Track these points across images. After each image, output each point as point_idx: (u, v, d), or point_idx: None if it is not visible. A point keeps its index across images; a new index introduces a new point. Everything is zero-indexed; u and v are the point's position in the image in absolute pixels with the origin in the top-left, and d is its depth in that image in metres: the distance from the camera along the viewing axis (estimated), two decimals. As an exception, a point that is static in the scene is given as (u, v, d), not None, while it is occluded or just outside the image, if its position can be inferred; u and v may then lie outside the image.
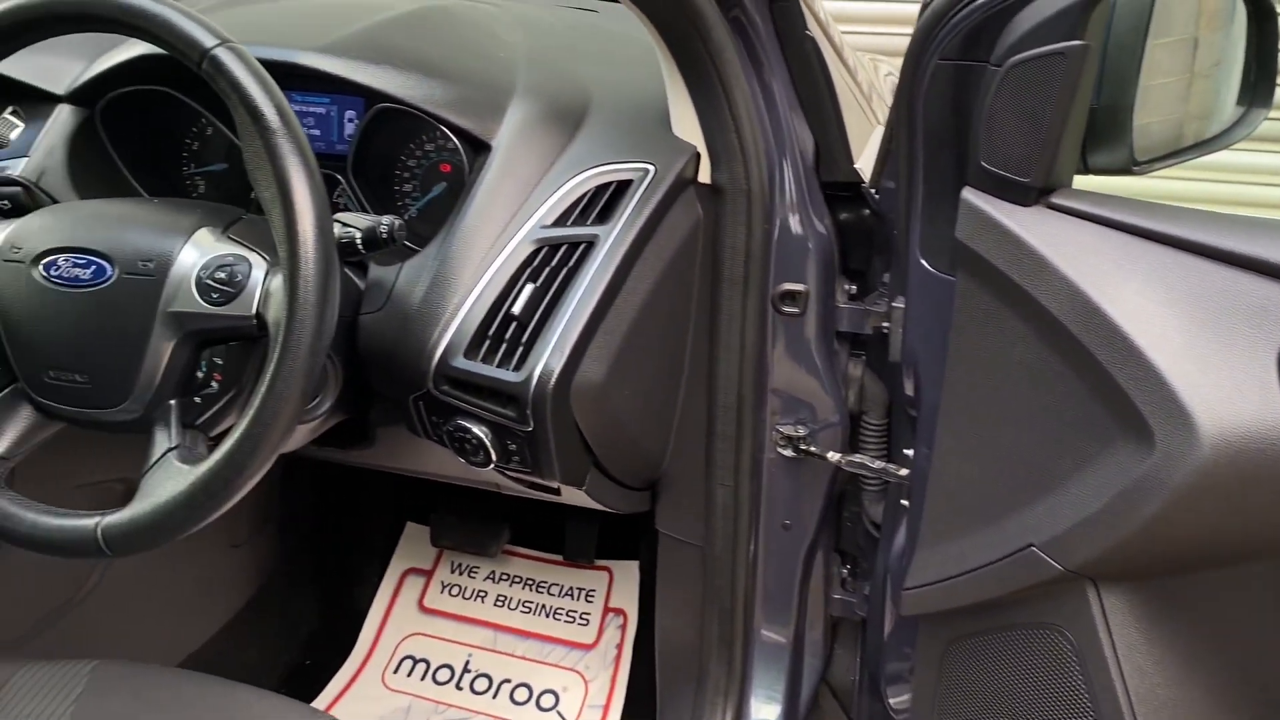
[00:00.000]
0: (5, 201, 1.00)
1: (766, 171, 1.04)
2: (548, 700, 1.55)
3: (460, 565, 1.73)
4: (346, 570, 1.73)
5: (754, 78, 1.02)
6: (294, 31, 1.12)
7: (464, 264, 0.99)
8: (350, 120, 1.11)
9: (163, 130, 1.17)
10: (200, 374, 0.88)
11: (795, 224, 1.09)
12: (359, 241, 0.89)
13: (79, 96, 1.12)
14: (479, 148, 1.04)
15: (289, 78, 1.08)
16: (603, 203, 1.01)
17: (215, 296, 0.85)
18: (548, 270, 0.98)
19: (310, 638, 1.66)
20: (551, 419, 0.95)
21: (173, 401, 0.88)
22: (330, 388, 1.02)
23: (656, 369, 1.10)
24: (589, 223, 1.00)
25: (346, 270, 1.03)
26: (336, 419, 1.08)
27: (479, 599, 1.68)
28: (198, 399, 0.88)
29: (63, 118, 1.11)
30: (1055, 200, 0.87)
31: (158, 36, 0.81)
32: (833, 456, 1.15)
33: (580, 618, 1.64)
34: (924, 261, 0.99)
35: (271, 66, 1.02)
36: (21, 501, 0.88)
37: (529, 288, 0.97)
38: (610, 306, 0.98)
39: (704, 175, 1.06)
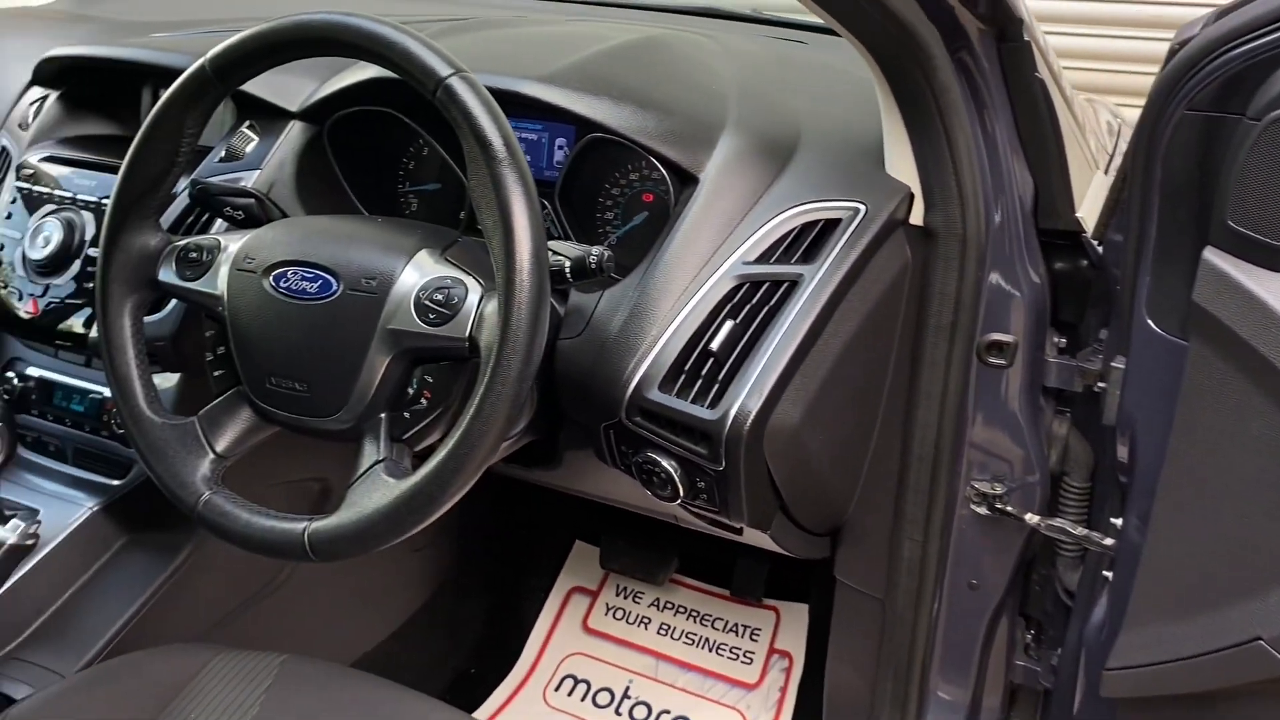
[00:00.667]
0: (239, 212, 1.06)
1: (983, 216, 1.01)
2: (706, 736, 1.54)
3: (625, 589, 1.74)
4: (515, 583, 1.76)
5: (976, 118, 0.99)
6: (515, 60, 1.15)
7: (664, 296, 0.99)
8: (561, 148, 1.14)
9: (383, 149, 1.22)
10: (411, 390, 0.91)
11: (1007, 272, 1.05)
12: (568, 270, 0.90)
13: (310, 114, 1.18)
14: (686, 180, 1.04)
15: (506, 104, 1.12)
16: (808, 241, 0.99)
17: (432, 317, 0.88)
18: (748, 308, 0.97)
19: (476, 646, 1.70)
20: (744, 460, 0.94)
21: (383, 415, 0.91)
22: (526, 409, 1.04)
23: (851, 415, 1.07)
24: (793, 261, 0.98)
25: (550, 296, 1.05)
26: (527, 439, 1.10)
27: (642, 625, 1.69)
28: (407, 414, 0.91)
29: (294, 134, 1.18)
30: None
31: (396, 63, 0.85)
32: (1030, 518, 1.10)
33: (744, 656, 1.62)
34: (1151, 322, 0.93)
35: (495, 94, 1.06)
36: (237, 501, 0.93)
37: (728, 324, 0.96)
38: (811, 349, 0.96)
39: (916, 217, 1.03)
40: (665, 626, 1.68)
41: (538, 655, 1.68)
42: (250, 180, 1.15)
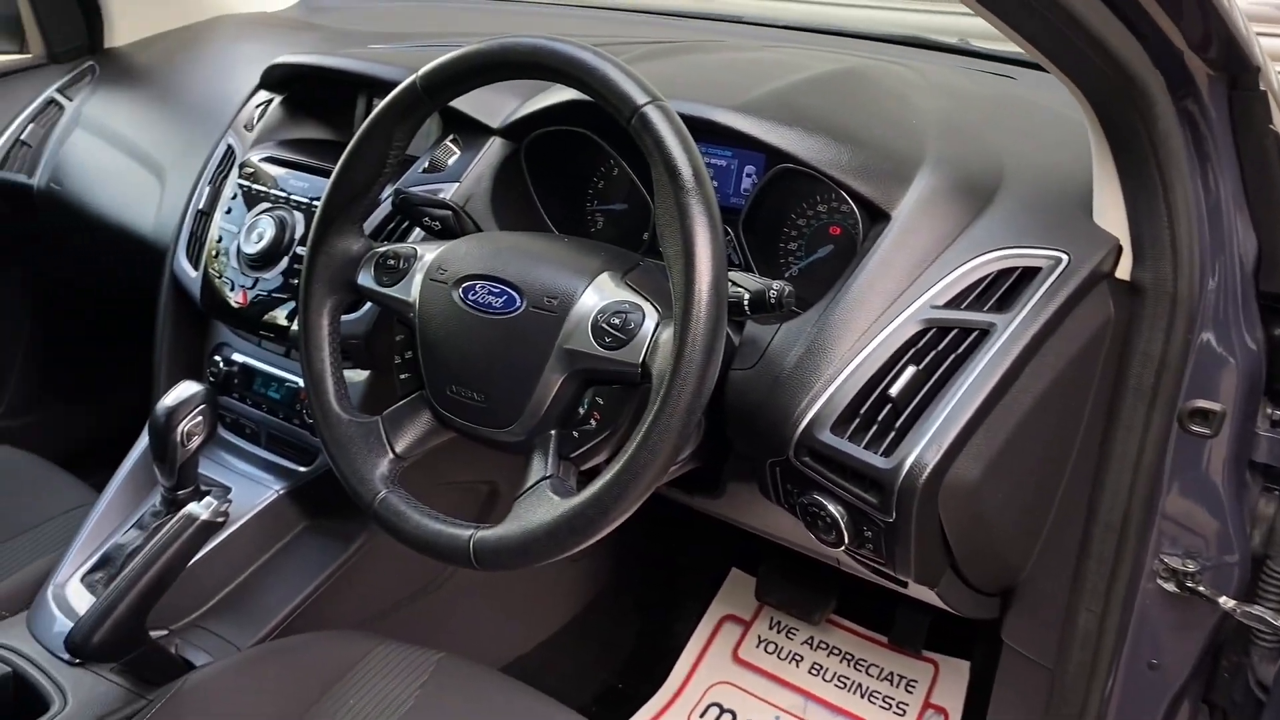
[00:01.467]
0: (436, 223, 1.10)
1: (1198, 275, 0.94)
2: (852, 786, 1.50)
3: (779, 623, 1.71)
4: (668, 604, 1.76)
5: (1198, 171, 0.92)
6: (711, 87, 1.15)
7: (844, 334, 0.97)
8: (749, 175, 1.13)
9: (574, 168, 1.25)
10: (581, 410, 0.92)
11: (1221, 335, 0.97)
12: (746, 303, 0.90)
13: (509, 131, 1.22)
14: (877, 216, 1.02)
15: (698, 131, 1.12)
16: (1004, 289, 0.95)
17: (607, 340, 0.89)
18: (933, 354, 0.93)
19: (625, 663, 1.71)
20: (917, 515, 0.91)
21: (554, 432, 0.93)
22: (692, 438, 1.03)
23: (1035, 475, 1.02)
24: (986, 309, 0.94)
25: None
26: (691, 466, 1.10)
27: (794, 662, 1.66)
28: (575, 433, 0.93)
29: (493, 149, 1.22)
30: None
31: (595, 89, 0.86)
32: (1225, 602, 1.02)
33: (897, 706, 1.57)
34: None
35: (688, 121, 1.07)
36: (410, 502, 0.96)
37: (910, 370, 0.93)
38: (997, 403, 0.92)
39: (1123, 271, 0.97)
40: (817, 666, 1.64)
41: (685, 679, 1.67)
42: (449, 192, 1.19)
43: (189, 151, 1.50)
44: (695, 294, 0.81)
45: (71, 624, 1.13)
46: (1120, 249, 0.96)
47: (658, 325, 0.88)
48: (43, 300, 1.98)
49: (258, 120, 1.43)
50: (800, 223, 1.12)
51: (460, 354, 0.96)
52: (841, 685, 1.61)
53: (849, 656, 1.64)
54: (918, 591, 1.17)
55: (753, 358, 1.02)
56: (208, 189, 1.40)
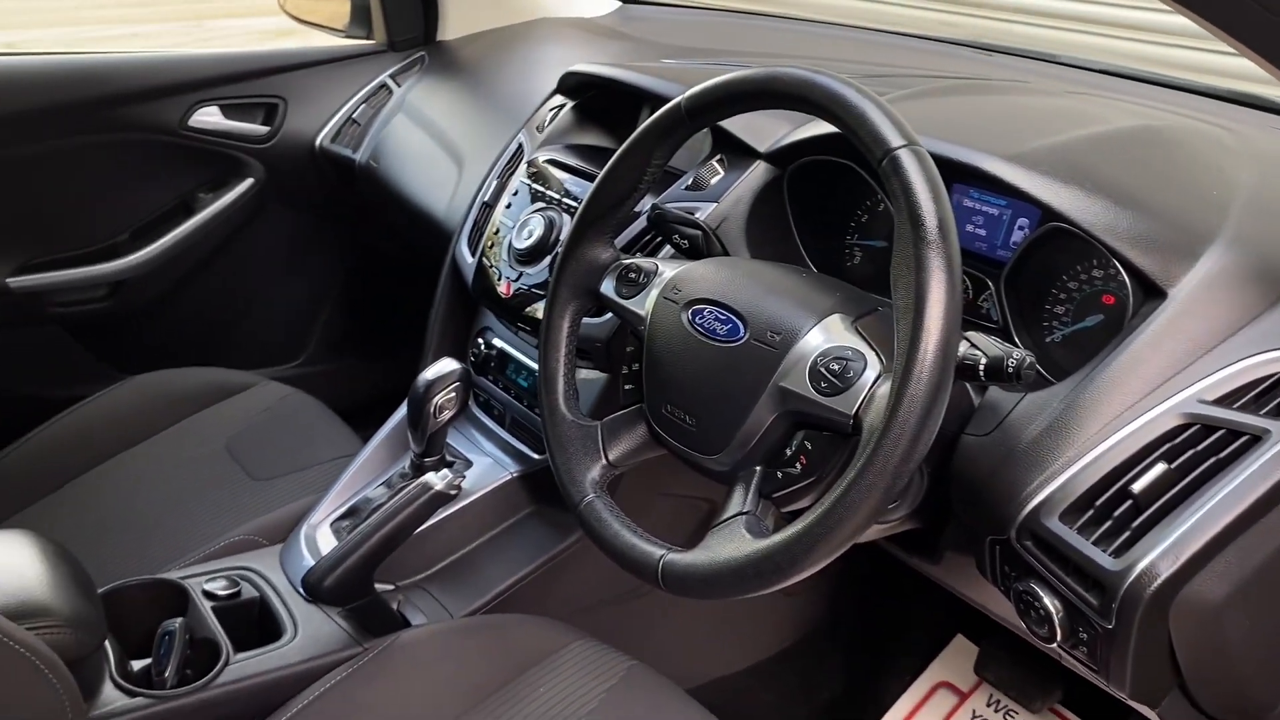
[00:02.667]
0: (685, 241, 1.11)
1: None
2: None
3: (998, 702, 1.60)
4: (882, 656, 1.69)
5: None
6: (988, 133, 1.09)
7: (1093, 416, 0.89)
8: (1021, 229, 1.06)
9: (837, 199, 1.22)
10: (789, 451, 0.90)
11: None
12: (981, 368, 0.84)
13: (775, 157, 1.21)
14: (1151, 292, 0.92)
15: (968, 178, 1.06)
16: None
17: (823, 386, 0.86)
18: (1190, 454, 0.83)
19: (827, 707, 1.66)
20: (1139, 626, 0.81)
21: (758, 468, 0.91)
22: (910, 496, 0.98)
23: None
24: (1262, 413, 0.83)
25: (967, 385, 0.99)
26: (909, 526, 1.04)
27: (1007, 748, 1.54)
28: (779, 474, 0.90)
29: (757, 173, 1.21)
30: None
31: (850, 126, 0.84)
32: None
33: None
34: None
35: (954, 166, 1.01)
36: (614, 510, 0.98)
37: (1160, 467, 0.83)
38: (1257, 521, 0.81)
39: None
40: (1033, 758, 1.52)
41: (888, 738, 1.60)
42: (706, 212, 1.20)
43: (488, 144, 1.60)
44: (920, 351, 0.76)
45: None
46: None
47: (879, 377, 0.84)
48: (353, 263, 2.18)
49: (549, 123, 1.50)
50: (1071, 286, 1.03)
51: (679, 375, 0.96)
52: (1056, 784, 1.49)
53: (1069, 756, 1.51)
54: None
55: (989, 424, 0.96)
56: (494, 182, 1.49)
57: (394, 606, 1.28)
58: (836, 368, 0.86)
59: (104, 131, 1.86)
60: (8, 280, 1.83)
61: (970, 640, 1.65)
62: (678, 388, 0.96)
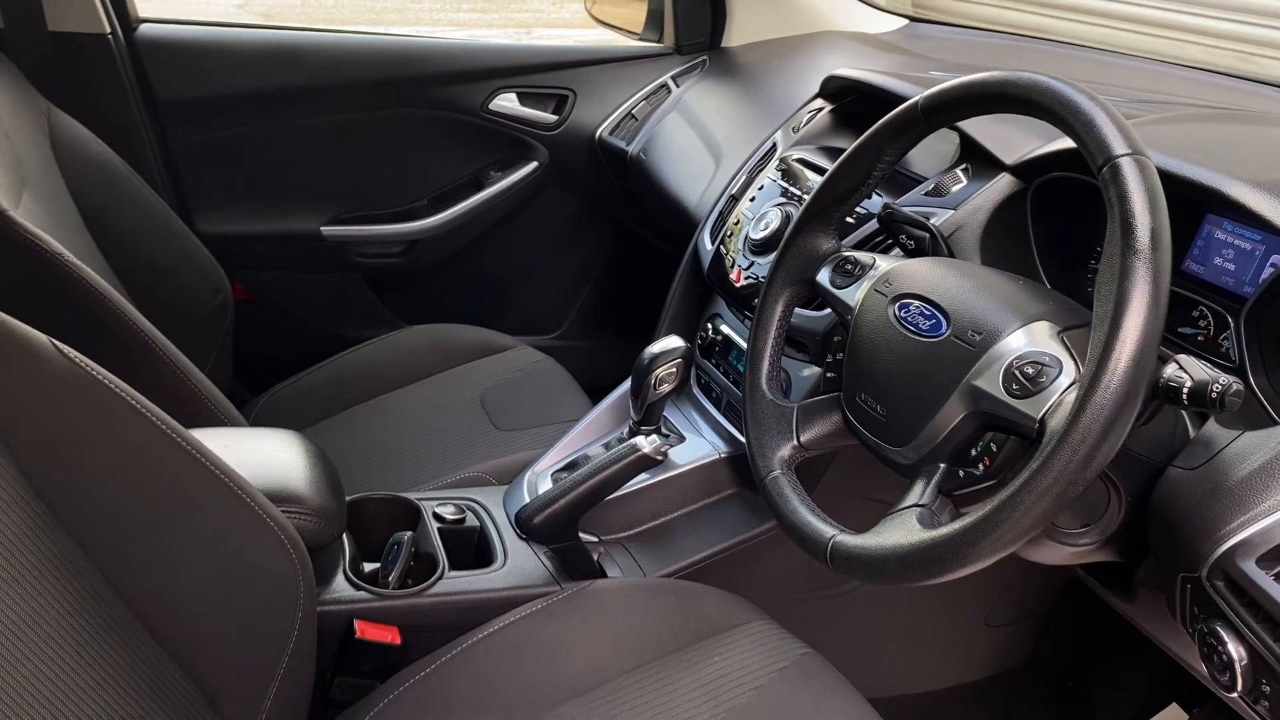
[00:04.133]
0: (912, 242, 1.12)
1: None
2: None
3: (1208, 782, 1.47)
4: (1084, 711, 1.60)
5: None
6: (1241, 161, 1.02)
7: (1312, 459, 0.82)
8: (1272, 266, 0.99)
9: (1082, 220, 1.18)
10: (974, 452, 0.89)
11: None
12: (1185, 391, 0.80)
13: (1021, 170, 1.18)
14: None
15: (1220, 203, 1.00)
16: None
17: (1014, 388, 0.85)
18: None
19: (1019, 751, 1.59)
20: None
21: (942, 465, 0.91)
22: (1106, 521, 0.94)
23: None
24: None
25: (1184, 414, 0.94)
26: (1106, 557, 1.00)
27: (1210, 832, 1.42)
28: (961, 473, 0.90)
29: (1000, 185, 1.19)
30: None
31: (1077, 131, 0.82)
32: None
33: None
34: None
35: (1206, 192, 0.96)
36: (797, 488, 1.01)
37: (1383, 523, 0.77)
38: None
39: None
40: None
41: (1079, 794, 1.52)
42: (942, 217, 1.20)
43: (746, 142, 1.66)
44: (1112, 359, 0.74)
45: (530, 507, 1.35)
46: None
47: (1071, 385, 0.82)
48: (615, 250, 2.31)
49: (805, 124, 1.54)
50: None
51: (877, 366, 0.97)
52: None
53: None
54: None
55: (1200, 459, 0.90)
56: (744, 176, 1.54)
57: (595, 557, 1.36)
58: (1031, 371, 0.84)
59: (416, 107, 2.08)
60: (321, 228, 2.09)
61: (1185, 710, 1.53)
62: (874, 378, 0.98)
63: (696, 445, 1.45)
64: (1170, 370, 0.82)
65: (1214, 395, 0.78)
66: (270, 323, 2.14)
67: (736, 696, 1.12)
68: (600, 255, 2.32)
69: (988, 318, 0.90)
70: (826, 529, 0.94)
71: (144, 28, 1.93)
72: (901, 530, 0.87)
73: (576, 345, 2.32)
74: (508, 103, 2.10)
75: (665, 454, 1.29)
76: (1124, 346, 0.74)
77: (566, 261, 2.31)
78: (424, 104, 2.07)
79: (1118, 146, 0.79)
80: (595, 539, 1.39)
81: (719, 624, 1.22)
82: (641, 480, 1.39)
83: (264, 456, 1.21)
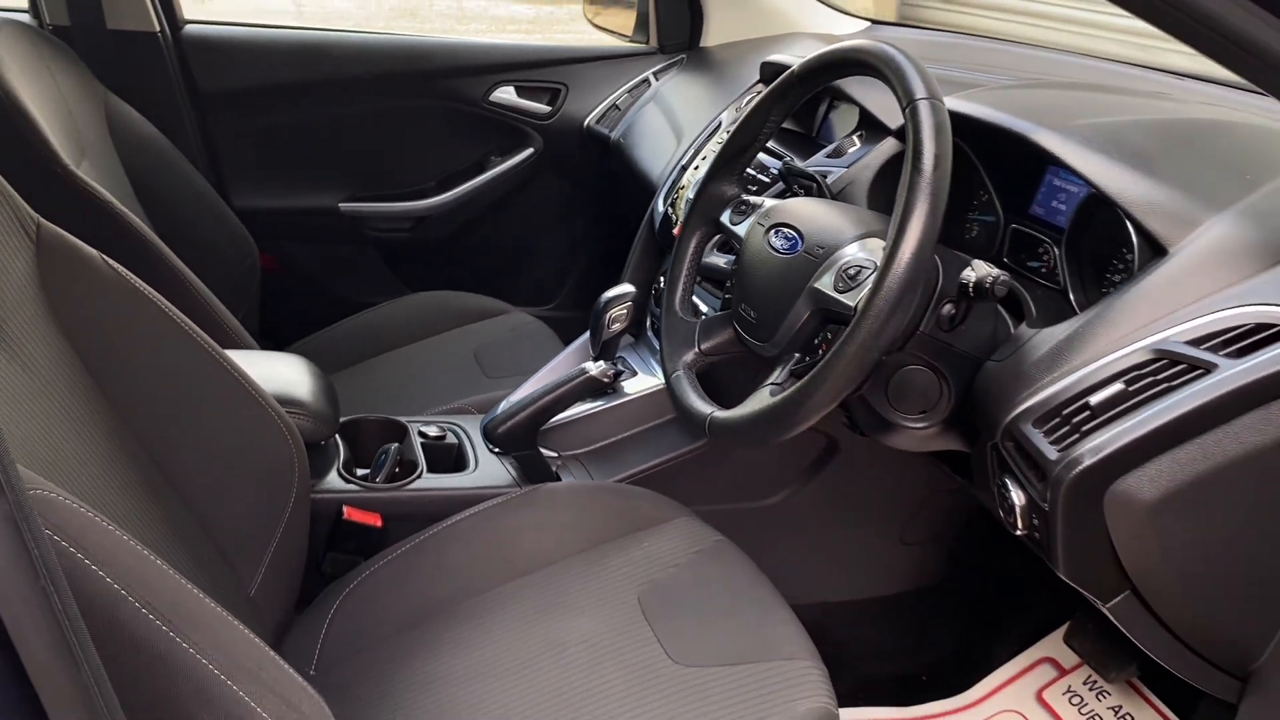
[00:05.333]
0: (802, 190, 1.33)
1: None
2: None
3: (1094, 683, 1.65)
4: (995, 623, 1.78)
5: None
6: (1055, 113, 1.23)
7: (1083, 349, 1.02)
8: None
9: (959, 180, 1.38)
10: (817, 340, 1.11)
11: None
12: (971, 286, 1.01)
13: (900, 133, 1.40)
14: (1157, 250, 1.04)
15: (1027, 152, 1.20)
16: (1251, 341, 0.93)
17: (840, 285, 1.06)
18: (1148, 378, 0.96)
19: (933, 662, 1.77)
20: (1066, 505, 0.95)
21: (796, 354, 1.12)
22: (941, 409, 1.15)
23: (1249, 538, 0.97)
24: (1221, 354, 0.94)
25: (1001, 318, 1.14)
26: (948, 444, 1.20)
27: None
28: (808, 358, 1.11)
29: (885, 147, 1.41)
30: None
31: (890, 80, 1.04)
32: None
33: (1175, 801, 1.46)
34: None
35: (1003, 133, 1.17)
36: (693, 382, 1.23)
37: (1118, 386, 0.96)
38: (1193, 438, 0.92)
39: None
40: (1113, 734, 1.57)
41: (983, 697, 1.70)
42: (838, 174, 1.41)
43: (703, 124, 1.88)
44: (896, 254, 0.96)
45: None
46: None
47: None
48: (605, 229, 2.53)
49: (746, 103, 1.76)
50: (1124, 251, 1.15)
51: (752, 280, 1.19)
52: (1128, 760, 1.53)
53: (1149, 736, 1.55)
54: (1225, 689, 1.13)
55: (1009, 353, 1.11)
56: (693, 150, 1.76)
57: (554, 469, 1.58)
58: (853, 272, 1.06)
59: (424, 98, 2.33)
60: (339, 205, 2.34)
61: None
62: (750, 290, 1.19)
63: (646, 379, 1.66)
64: (967, 272, 1.03)
65: (987, 285, 0.99)
66: (292, 287, 2.40)
67: (657, 572, 1.33)
68: (591, 235, 2.55)
69: (830, 236, 1.12)
70: (706, 408, 1.16)
71: (189, 27, 2.20)
72: (756, 402, 1.08)
73: (570, 316, 2.54)
74: (506, 95, 2.34)
75: (611, 378, 1.51)
76: (906, 245, 0.95)
77: (560, 240, 2.55)
78: (432, 95, 2.32)
79: (918, 92, 1.01)
80: (555, 454, 1.61)
81: (650, 519, 1.42)
82: (596, 406, 1.62)
83: (274, 370, 1.44)
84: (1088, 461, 0.94)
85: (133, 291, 1.15)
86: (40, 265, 1.06)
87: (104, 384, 1.12)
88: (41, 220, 1.06)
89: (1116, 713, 1.60)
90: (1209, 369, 0.93)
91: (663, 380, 1.63)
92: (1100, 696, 1.64)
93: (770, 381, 1.11)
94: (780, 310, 1.13)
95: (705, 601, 1.27)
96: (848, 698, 1.70)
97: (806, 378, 1.01)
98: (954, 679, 1.73)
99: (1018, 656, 1.73)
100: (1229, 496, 0.94)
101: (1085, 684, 1.66)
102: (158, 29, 2.12)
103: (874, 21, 2.40)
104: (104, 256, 1.12)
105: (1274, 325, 0.93)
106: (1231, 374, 0.91)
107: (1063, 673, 1.69)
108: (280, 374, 1.44)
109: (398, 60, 2.29)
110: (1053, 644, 1.74)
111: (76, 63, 1.89)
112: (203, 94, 2.21)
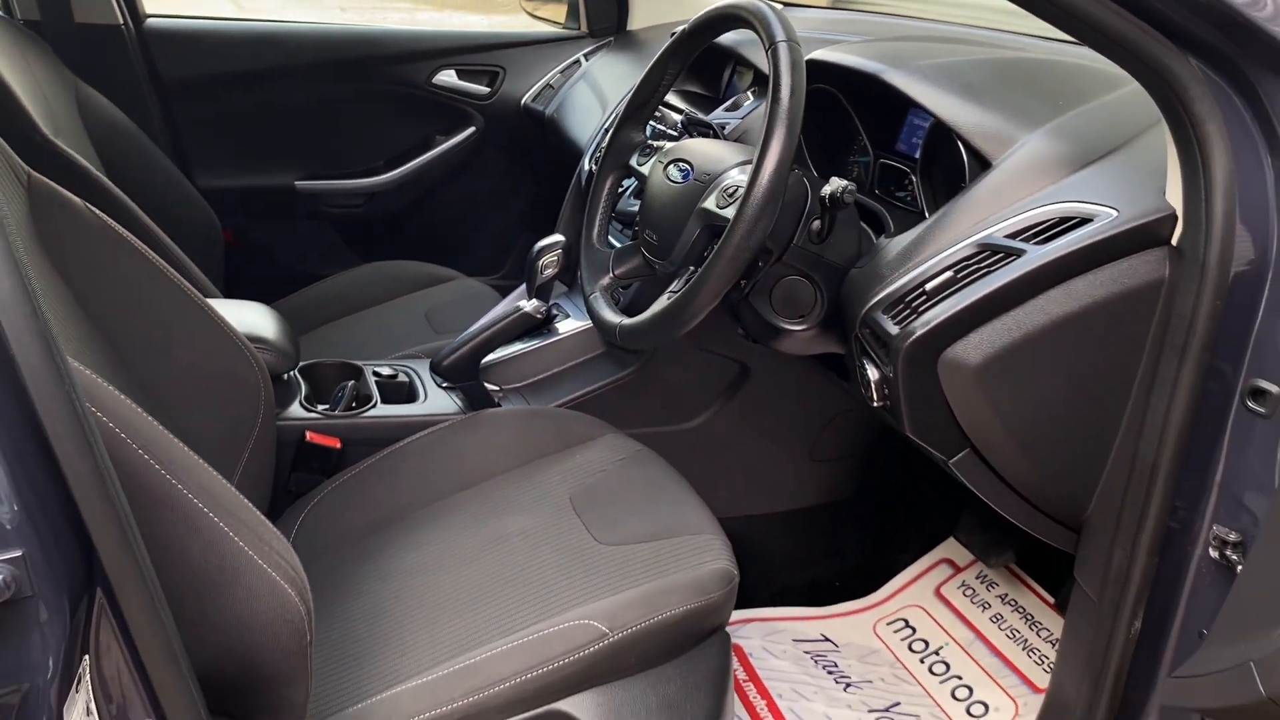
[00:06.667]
0: (700, 137, 1.51)
1: (1230, 247, 1.03)
2: (977, 709, 1.63)
3: (985, 577, 1.84)
4: (901, 532, 1.97)
5: (1250, 153, 1.02)
6: (898, 57, 1.42)
7: (924, 248, 1.21)
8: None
9: (842, 127, 1.57)
10: (706, 253, 1.28)
11: (1280, 318, 1.04)
12: (826, 197, 1.19)
13: (789, 87, 1.58)
14: (984, 164, 1.23)
15: (881, 93, 1.39)
16: (1056, 230, 1.12)
17: (721, 203, 1.24)
18: (972, 266, 1.14)
19: (844, 568, 1.96)
20: (906, 370, 1.13)
21: (690, 267, 1.30)
22: (816, 313, 1.33)
23: (1066, 399, 1.15)
24: (1031, 243, 1.13)
25: (865, 229, 1.33)
26: (826, 346, 1.38)
27: (982, 608, 1.79)
28: (699, 270, 1.29)
29: (775, 99, 1.59)
30: None
31: (755, 27, 1.22)
32: None
33: (1048, 665, 1.65)
34: None
35: (855, 73, 1.36)
36: (608, 301, 1.40)
37: (949, 273, 1.15)
38: (1006, 311, 1.10)
39: (1176, 239, 1.08)
40: (999, 617, 1.76)
41: (888, 596, 1.88)
42: (733, 124, 1.60)
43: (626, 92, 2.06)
44: (759, 173, 1.14)
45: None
46: (1176, 218, 1.08)
47: None
48: (546, 197, 2.70)
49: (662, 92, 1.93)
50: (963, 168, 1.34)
51: (653, 207, 1.37)
52: (1011, 636, 1.72)
53: (1029, 616, 1.74)
54: (1063, 540, 1.31)
55: (867, 261, 1.29)
56: (614, 115, 1.94)
57: (496, 400, 1.75)
58: (732, 190, 1.24)
59: (372, 83, 2.49)
60: (295, 183, 2.50)
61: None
62: (651, 216, 1.37)
63: (578, 321, 1.83)
64: (824, 187, 1.21)
65: (839, 194, 1.18)
66: (253, 261, 2.54)
67: (586, 478, 1.49)
68: (533, 204, 2.72)
69: (715, 164, 1.30)
70: (617, 319, 1.33)
71: (150, 21, 2.34)
72: (655, 308, 1.26)
73: (516, 283, 2.69)
74: (448, 78, 2.51)
75: (543, 315, 1.68)
76: (769, 161, 1.13)
77: (503, 210, 2.71)
78: (379, 80, 2.48)
79: (778, 35, 1.19)
80: (496, 388, 1.77)
81: (581, 436, 1.59)
82: (533, 344, 1.78)
83: (240, 313, 1.60)
84: (920, 332, 1.12)
85: (114, 235, 1.30)
86: (32, 210, 1.21)
87: (90, 312, 1.27)
88: (31, 171, 1.21)
89: (1003, 599, 1.80)
90: (1019, 254, 1.12)
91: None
92: (989, 587, 1.83)
93: (669, 290, 1.28)
94: (676, 230, 1.31)
95: (627, 496, 1.44)
96: (768, 602, 1.89)
97: (692, 280, 1.18)
98: (863, 582, 1.92)
99: (918, 560, 1.92)
100: (1042, 360, 1.12)
101: (977, 578, 1.85)
102: (121, 22, 2.27)
103: (788, 4, 2.59)
104: (87, 204, 1.28)
105: (1074, 218, 1.12)
106: (1036, 256, 1.10)
107: (958, 570, 1.89)
108: (245, 316, 1.59)
109: (347, 48, 2.45)
110: (949, 548, 1.93)
111: (48, 52, 2.03)
112: (165, 82, 2.35)
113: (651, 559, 1.31)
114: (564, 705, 1.18)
